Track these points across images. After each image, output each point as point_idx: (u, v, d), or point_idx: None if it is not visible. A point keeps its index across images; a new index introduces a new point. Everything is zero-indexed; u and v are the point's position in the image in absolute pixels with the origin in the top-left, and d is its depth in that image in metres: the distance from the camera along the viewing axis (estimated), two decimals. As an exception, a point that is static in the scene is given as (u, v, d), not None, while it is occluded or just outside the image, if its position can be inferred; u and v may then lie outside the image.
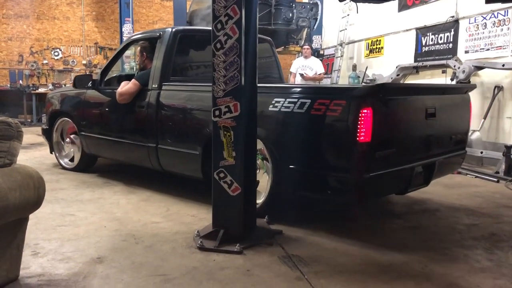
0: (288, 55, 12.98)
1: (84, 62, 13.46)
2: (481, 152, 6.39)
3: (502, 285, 2.67)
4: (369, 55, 10.60)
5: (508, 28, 6.76)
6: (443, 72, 8.01)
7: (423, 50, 8.66)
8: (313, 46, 10.56)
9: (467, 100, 4.38)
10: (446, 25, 8.01)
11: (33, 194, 2.48)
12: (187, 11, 11.37)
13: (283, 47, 11.29)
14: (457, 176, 5.90)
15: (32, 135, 8.97)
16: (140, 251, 3.09)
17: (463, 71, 6.98)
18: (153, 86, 4.57)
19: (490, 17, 7.07)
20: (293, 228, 3.59)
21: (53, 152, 5.98)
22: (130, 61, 10.65)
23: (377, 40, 10.26)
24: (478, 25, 7.33)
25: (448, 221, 3.89)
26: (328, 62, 11.82)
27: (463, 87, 4.72)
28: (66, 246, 3.16)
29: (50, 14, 13.17)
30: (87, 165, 5.69)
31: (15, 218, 2.44)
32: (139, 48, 5.10)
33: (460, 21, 7.73)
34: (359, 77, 10.28)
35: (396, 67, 8.89)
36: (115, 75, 5.63)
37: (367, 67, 10.17)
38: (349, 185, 3.19)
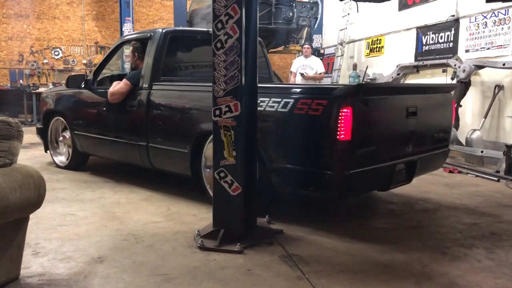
0: (289, 54, 12.99)
1: (84, 61, 13.46)
2: (482, 151, 6.38)
3: (502, 284, 2.67)
4: (369, 54, 10.59)
5: (509, 27, 6.75)
6: (444, 71, 8.00)
7: (424, 49, 8.66)
8: (313, 45, 10.56)
9: (449, 99, 4.47)
10: (446, 24, 8.01)
11: (33, 194, 2.48)
12: (187, 10, 11.38)
13: (283, 46, 11.29)
14: (458, 175, 5.90)
15: (32, 134, 8.92)
16: (141, 251, 3.09)
17: (464, 70, 6.97)
18: (144, 85, 4.65)
19: (491, 16, 7.07)
20: (294, 227, 3.59)
21: (48, 151, 6.09)
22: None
23: (377, 39, 10.26)
24: (478, 24, 7.33)
25: (449, 221, 3.89)
26: (329, 61, 11.81)
27: (445, 86, 4.81)
28: (67, 246, 3.17)
29: (50, 14, 13.17)
30: (79, 163, 5.79)
31: (15, 218, 2.45)
32: (130, 48, 5.17)
33: (461, 20, 7.72)
34: (359, 76, 10.27)
35: (397, 66, 8.89)
36: (107, 75, 5.73)
37: (367, 66, 10.13)
38: (330, 182, 3.27)
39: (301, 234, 3.47)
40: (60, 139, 5.91)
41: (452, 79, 7.38)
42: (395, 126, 3.74)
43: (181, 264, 2.87)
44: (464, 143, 6.91)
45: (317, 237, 3.41)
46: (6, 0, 12.67)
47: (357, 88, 3.49)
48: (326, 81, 10.72)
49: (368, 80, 9.62)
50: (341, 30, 11.29)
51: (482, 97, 7.24)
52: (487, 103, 6.98)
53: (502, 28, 6.87)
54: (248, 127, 3.18)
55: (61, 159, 5.94)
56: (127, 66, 10.76)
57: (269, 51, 11.90)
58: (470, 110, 7.48)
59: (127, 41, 5.36)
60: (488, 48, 7.12)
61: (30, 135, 8.46)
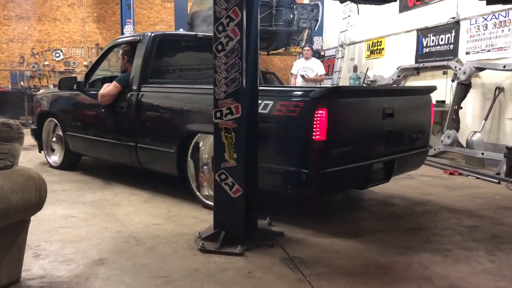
0: (289, 56, 13.01)
1: (85, 63, 13.48)
2: (482, 154, 6.38)
3: (503, 287, 2.66)
4: (370, 56, 10.60)
5: (509, 29, 6.76)
6: (444, 73, 8.01)
7: (424, 51, 8.67)
8: (314, 47, 10.57)
9: (428, 101, 4.60)
10: (447, 26, 8.02)
11: (34, 196, 2.48)
12: (188, 12, 11.39)
13: (284, 48, 11.30)
14: (458, 177, 5.90)
15: (33, 136, 8.97)
16: (142, 253, 3.09)
17: (464, 72, 6.98)
18: (133, 88, 4.78)
19: (491, 18, 7.08)
20: (295, 230, 3.59)
21: (42, 151, 6.22)
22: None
23: (378, 41, 10.27)
24: (479, 26, 7.33)
25: (449, 223, 3.89)
26: (329, 63, 11.83)
27: (423, 88, 4.97)
28: (68, 248, 3.17)
29: (51, 16, 13.20)
30: (71, 163, 5.93)
31: (16, 220, 2.45)
32: (120, 51, 5.30)
33: (461, 22, 7.73)
34: (360, 78, 10.28)
35: (397, 68, 8.89)
36: (99, 77, 5.83)
37: (368, 68, 10.17)
38: (307, 180, 3.36)
39: (302, 236, 3.47)
40: (53, 139, 6.05)
41: (453, 81, 7.39)
42: (371, 127, 3.85)
43: (182, 266, 2.87)
44: (464, 145, 6.91)
45: (318, 239, 3.41)
46: (7, 2, 12.70)
47: (332, 91, 3.62)
48: (327, 83, 10.73)
49: (369, 82, 9.63)
50: (341, 32, 11.31)
51: (483, 99, 7.24)
52: (488, 105, 6.99)
53: (503, 30, 6.87)
54: (249, 129, 3.18)
55: (55, 159, 6.08)
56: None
57: (270, 53, 11.93)
58: (470, 112, 7.49)
59: (118, 45, 5.49)
60: (489, 50, 7.13)
61: (30, 137, 8.46)
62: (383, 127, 3.89)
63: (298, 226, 3.68)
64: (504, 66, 6.53)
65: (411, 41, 9.01)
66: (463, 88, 7.15)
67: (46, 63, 13.18)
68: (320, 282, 2.67)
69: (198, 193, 4.24)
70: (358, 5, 9.14)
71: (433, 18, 8.42)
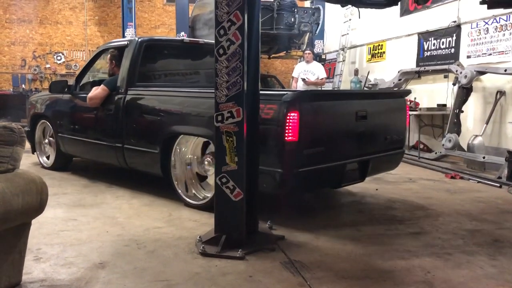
0: (290, 59, 13.02)
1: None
2: (484, 157, 6.37)
3: (505, 291, 2.66)
4: (371, 60, 10.62)
5: (510, 33, 6.77)
6: (445, 77, 8.02)
7: (425, 55, 8.68)
8: (315, 51, 10.58)
9: (403, 104, 4.81)
10: (448, 30, 8.03)
11: (35, 199, 2.48)
12: (190, 15, 11.42)
13: (285, 51, 11.31)
14: (460, 181, 5.89)
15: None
16: (143, 256, 3.09)
17: (465, 76, 6.98)
18: (120, 91, 4.95)
19: (492, 22, 7.08)
20: (295, 234, 3.59)
21: (35, 153, 6.36)
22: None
23: (379, 45, 10.28)
24: (480, 30, 7.34)
25: (451, 227, 3.88)
26: (330, 67, 11.84)
27: (398, 92, 5.21)
28: (69, 251, 3.16)
29: (53, 19, 13.23)
30: (63, 164, 6.08)
31: (17, 223, 2.45)
32: (108, 56, 5.49)
33: (462, 26, 7.74)
34: (361, 81, 10.29)
35: (398, 71, 8.90)
36: (90, 80, 5.98)
37: (369, 72, 10.18)
38: (281, 179, 3.52)
39: (302, 240, 3.47)
40: (45, 141, 6.24)
41: (454, 84, 7.39)
42: (344, 128, 4.03)
43: (183, 270, 2.87)
44: (466, 149, 6.91)
45: (319, 243, 3.41)
46: (9, 5, 12.74)
47: (304, 95, 3.74)
48: (328, 86, 10.74)
49: (370, 86, 9.63)
50: (342, 35, 11.33)
51: (484, 103, 7.24)
52: (489, 109, 6.99)
53: (504, 34, 6.88)
54: (250, 132, 3.19)
55: (46, 160, 6.26)
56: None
57: (271, 57, 11.95)
58: (472, 115, 7.49)
59: (106, 49, 5.67)
60: (490, 54, 7.14)
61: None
62: (356, 129, 4.06)
63: (299, 230, 3.68)
64: (505, 70, 6.54)
65: (412, 44, 9.03)
66: (464, 92, 7.15)
67: (48, 66, 13.20)
68: (321, 286, 2.67)
69: (180, 192, 4.40)
70: (359, 8, 9.20)
71: (434, 21, 8.43)
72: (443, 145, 7.15)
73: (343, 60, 11.26)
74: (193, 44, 5.87)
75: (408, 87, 8.88)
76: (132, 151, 4.78)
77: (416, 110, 8.05)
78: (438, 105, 8.03)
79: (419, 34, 8.84)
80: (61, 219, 3.91)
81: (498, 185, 5.54)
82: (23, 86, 12.72)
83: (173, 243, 3.35)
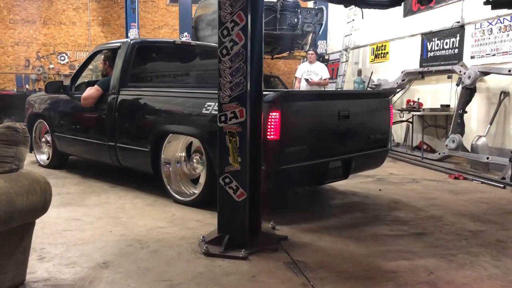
0: (293, 60, 13.02)
1: (90, 66, 13.47)
2: (487, 158, 6.35)
3: (509, 292, 2.65)
4: (374, 60, 10.60)
5: (514, 34, 6.74)
6: (449, 77, 8.00)
7: (429, 56, 8.66)
8: (318, 51, 10.57)
9: (386, 103, 4.89)
10: (451, 30, 8.01)
11: (39, 199, 2.49)
12: (193, 16, 11.43)
13: (288, 52, 11.31)
14: (463, 181, 5.88)
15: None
16: (146, 256, 3.10)
17: (469, 77, 6.96)
18: (113, 91, 5.10)
19: (496, 23, 7.06)
20: (298, 234, 3.59)
21: (32, 151, 6.48)
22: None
23: (382, 45, 10.27)
24: (484, 30, 7.32)
25: (454, 228, 3.87)
26: (333, 67, 11.83)
27: (381, 92, 5.36)
28: (72, 251, 3.17)
29: (56, 19, 13.27)
30: (59, 162, 6.23)
31: (21, 223, 2.46)
32: (102, 57, 5.68)
33: (466, 27, 7.72)
34: (364, 82, 10.28)
35: (402, 72, 8.89)
36: (85, 80, 6.06)
37: (372, 72, 10.16)
38: (264, 176, 3.50)
39: (306, 240, 3.47)
40: (42, 140, 6.40)
41: (457, 85, 7.37)
42: (326, 128, 4.14)
43: (186, 270, 2.87)
44: (469, 149, 6.89)
45: (322, 244, 3.41)
46: (13, 6, 12.79)
47: (286, 95, 3.81)
48: (331, 87, 10.73)
49: (373, 86, 9.62)
50: (346, 36, 11.32)
51: (488, 103, 7.22)
52: (493, 109, 6.97)
53: (508, 35, 6.86)
54: (253, 133, 3.19)
55: (43, 158, 6.42)
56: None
57: (274, 57, 11.95)
58: (475, 116, 7.47)
59: (100, 51, 5.83)
60: (494, 55, 7.12)
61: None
62: (338, 128, 4.17)
63: (302, 230, 3.68)
64: (510, 71, 6.51)
65: (416, 45, 9.01)
66: (468, 93, 7.13)
67: (51, 66, 13.25)
68: (324, 286, 2.67)
69: (169, 189, 4.53)
70: (363, 9, 9.19)
71: (437, 22, 8.41)
72: (446, 145, 7.14)
73: (346, 61, 11.25)
74: (184, 45, 6.04)
75: (412, 87, 8.88)
76: (124, 149, 4.92)
77: (420, 111, 8.03)
78: (441, 105, 8.01)
79: (423, 34, 8.82)
80: (65, 219, 3.92)
81: (502, 185, 5.52)
82: (27, 86, 12.77)
83: (176, 243, 3.35)
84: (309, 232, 3.64)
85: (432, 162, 7.24)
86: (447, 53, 8.15)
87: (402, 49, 9.51)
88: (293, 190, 5.13)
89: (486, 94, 7.26)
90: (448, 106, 7.84)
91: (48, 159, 6.31)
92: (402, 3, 4.66)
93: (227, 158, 3.14)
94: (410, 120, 8.52)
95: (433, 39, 8.54)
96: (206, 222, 3.85)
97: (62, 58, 13.39)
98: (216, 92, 3.69)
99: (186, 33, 11.27)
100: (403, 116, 8.65)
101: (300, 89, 8.54)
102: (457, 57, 7.86)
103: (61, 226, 3.73)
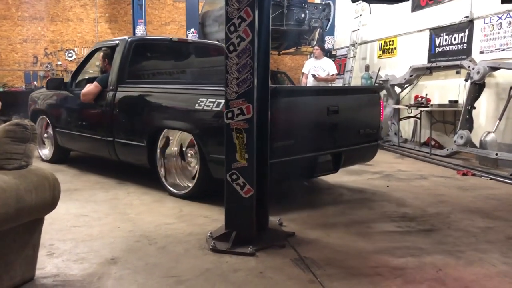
0: (300, 55, 12.97)
1: (97, 63, 13.53)
2: (496, 154, 6.30)
3: (518, 289, 2.63)
4: (382, 56, 10.54)
5: (524, 28, 6.66)
6: (457, 73, 7.93)
7: (437, 51, 8.59)
8: (325, 47, 10.52)
9: (376, 99, 5.02)
10: (460, 25, 7.93)
11: (48, 196, 2.51)
12: (200, 12, 11.42)
13: (295, 47, 11.27)
14: (472, 178, 5.84)
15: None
16: (154, 252, 3.11)
17: (478, 72, 6.90)
18: (111, 88, 5.24)
19: (506, 17, 6.98)
20: (305, 230, 3.58)
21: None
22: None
23: (390, 41, 10.20)
24: (493, 25, 7.25)
25: (463, 224, 3.85)
26: (341, 63, 11.78)
27: (371, 88, 5.53)
28: (81, 247, 3.20)
29: (64, 16, 13.31)
30: (61, 157, 6.40)
31: (31, 219, 2.48)
32: (101, 54, 5.84)
33: (475, 21, 7.64)
34: (371, 77, 10.22)
35: (409, 67, 8.82)
36: (86, 77, 6.23)
37: (380, 68, 10.11)
38: None
39: (313, 237, 3.46)
40: (45, 135, 6.56)
41: (466, 80, 7.31)
42: (314, 123, 4.21)
43: (194, 266, 2.88)
44: (478, 145, 6.84)
45: (329, 240, 3.40)
46: (21, 3, 12.85)
47: (274, 91, 3.84)
48: (339, 83, 10.68)
49: (381, 82, 9.57)
50: (353, 31, 11.25)
51: (497, 99, 7.15)
52: (502, 105, 6.90)
53: (517, 29, 6.78)
54: (260, 129, 3.18)
55: (45, 153, 6.59)
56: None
57: (281, 53, 11.91)
58: (484, 112, 7.40)
59: (99, 48, 6.01)
60: (503, 50, 7.04)
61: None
62: (328, 123, 4.29)
63: (309, 227, 3.68)
64: (519, 66, 6.45)
65: (424, 40, 8.94)
66: (477, 88, 7.07)
67: (59, 63, 13.30)
68: (331, 283, 2.66)
69: (165, 183, 4.67)
70: (370, 4, 9.13)
71: (446, 17, 8.34)
72: (455, 141, 7.09)
73: (354, 56, 11.19)
74: (181, 42, 6.14)
75: (420, 83, 8.81)
76: (122, 144, 5.07)
77: (428, 106, 7.97)
78: (450, 101, 7.95)
79: (431, 29, 8.75)
80: (73, 215, 3.95)
81: (511, 182, 5.48)
82: (35, 83, 12.83)
83: (184, 239, 3.36)
84: (316, 229, 3.64)
85: (440, 158, 7.20)
86: (456, 48, 8.08)
87: (410, 44, 9.44)
88: (300, 186, 5.13)
89: (495, 89, 7.19)
90: (456, 101, 7.78)
91: (50, 154, 6.47)
92: (410, -2, 4.65)
93: (234, 155, 3.14)
94: (418, 116, 8.47)
95: (442, 34, 8.46)
96: (214, 218, 3.86)
97: (70, 54, 13.44)
98: (208, 88, 3.71)
99: (193, 29, 11.27)
100: (411, 112, 8.60)
101: (307, 85, 8.50)
102: (466, 52, 7.79)
103: (70, 222, 3.76)
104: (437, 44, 8.57)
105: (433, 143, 7.97)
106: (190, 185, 4.50)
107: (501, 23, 7.08)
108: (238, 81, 3.07)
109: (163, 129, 4.66)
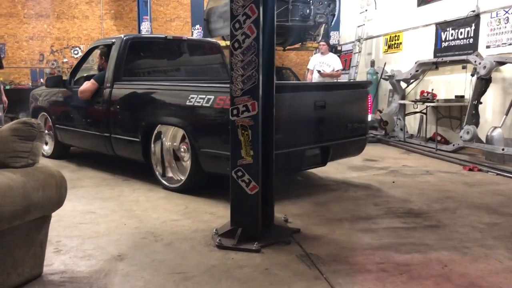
0: (305, 51, 12.94)
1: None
2: (503, 149, 6.27)
3: (524, 286, 2.63)
4: (387, 51, 10.49)
5: (531, 22, 6.61)
6: (463, 68, 7.88)
7: (443, 46, 8.53)
8: (330, 42, 10.48)
9: (364, 94, 5.14)
10: (466, 19, 7.88)
11: (55, 193, 2.53)
12: (204, 8, 11.41)
13: (300, 43, 11.24)
14: (478, 173, 5.82)
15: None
16: (160, 249, 3.13)
17: (484, 67, 6.85)
18: (107, 85, 5.38)
19: (513, 11, 6.93)
20: (311, 227, 3.59)
21: None
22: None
23: (395, 36, 10.15)
24: (500, 19, 7.19)
25: (468, 220, 3.84)
26: (346, 58, 11.73)
27: (359, 83, 5.69)
28: (87, 244, 3.22)
29: (69, 13, 13.34)
30: (61, 153, 6.55)
31: (38, 216, 2.50)
32: (98, 52, 5.95)
33: (481, 16, 7.59)
34: (377, 73, 10.18)
35: (415, 63, 8.78)
36: (85, 75, 6.30)
37: (385, 63, 10.06)
38: None
39: (318, 233, 3.47)
40: (45, 132, 6.51)
41: (472, 75, 7.26)
42: (301, 118, 4.32)
43: (200, 262, 2.90)
44: (484, 140, 6.80)
45: (335, 236, 3.41)
46: (27, 1, 12.88)
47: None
48: (344, 78, 10.65)
49: (386, 77, 9.53)
50: (358, 26, 11.19)
51: (503, 94, 7.11)
52: (509, 100, 6.85)
53: (524, 23, 6.73)
54: (265, 126, 3.19)
55: (46, 149, 6.66)
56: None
57: (286, 48, 11.88)
58: (490, 107, 7.36)
59: (96, 46, 6.10)
60: (510, 44, 6.99)
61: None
62: (314, 118, 4.41)
63: (314, 223, 3.69)
64: (526, 60, 6.40)
65: (430, 35, 8.88)
66: (483, 83, 7.02)
67: (65, 60, 13.34)
68: (337, 279, 2.67)
69: (159, 176, 4.83)
70: (376, -1, 9.07)
71: (452, 11, 8.28)
72: (461, 137, 7.05)
73: (359, 51, 11.14)
74: (176, 40, 6.25)
75: (426, 78, 8.76)
76: (118, 140, 5.22)
77: (434, 102, 7.93)
78: (456, 96, 7.90)
79: (437, 24, 8.69)
80: (80, 212, 3.98)
81: (518, 177, 5.45)
82: (42, 80, 12.87)
83: (190, 236, 3.38)
84: (321, 225, 3.65)
85: (446, 153, 7.17)
86: (462, 43, 8.03)
87: (416, 39, 9.39)
88: (303, 183, 5.12)
89: (502, 84, 7.14)
90: (462, 96, 7.73)
91: (50, 150, 6.59)
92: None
93: (239, 152, 3.14)
94: (424, 111, 8.43)
95: (448, 29, 8.41)
96: (219, 215, 3.87)
97: (76, 52, 13.47)
98: (199, 85, 3.64)
99: (198, 26, 11.26)
100: (416, 107, 8.56)
101: (313, 81, 8.49)
102: (472, 47, 7.73)
103: (76, 219, 3.79)
104: (443, 39, 8.52)
105: (439, 138, 7.93)
106: (182, 178, 4.63)
107: (507, 17, 7.03)
108: (243, 78, 3.08)
109: (156, 125, 4.79)
